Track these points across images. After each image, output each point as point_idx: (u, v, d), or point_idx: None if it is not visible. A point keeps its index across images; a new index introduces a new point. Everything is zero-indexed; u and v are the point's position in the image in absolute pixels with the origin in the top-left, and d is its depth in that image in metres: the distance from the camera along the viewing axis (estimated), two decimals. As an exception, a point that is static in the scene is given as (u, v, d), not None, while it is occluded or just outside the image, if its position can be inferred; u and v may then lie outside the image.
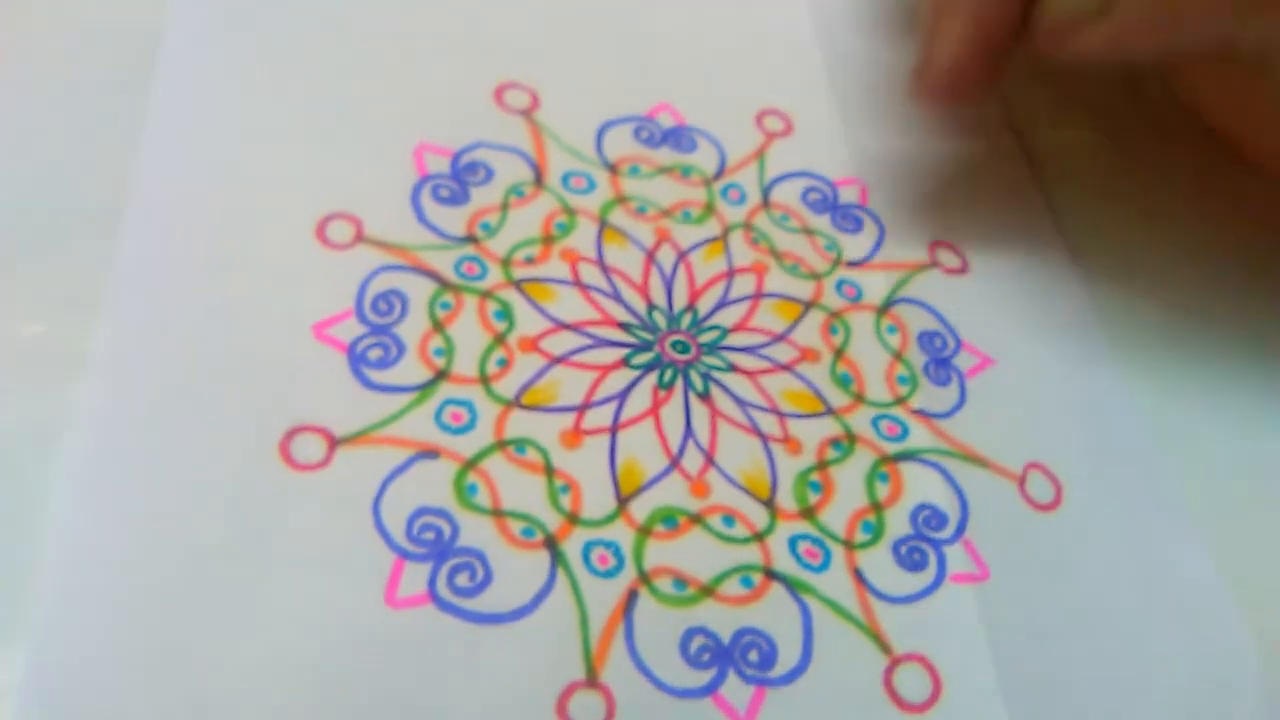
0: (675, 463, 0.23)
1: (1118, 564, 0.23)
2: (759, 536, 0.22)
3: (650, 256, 0.26)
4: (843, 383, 0.25)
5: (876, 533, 0.23)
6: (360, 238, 0.24)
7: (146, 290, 0.22)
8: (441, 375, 0.23)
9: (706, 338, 0.25)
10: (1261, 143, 0.27)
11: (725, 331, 0.25)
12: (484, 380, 0.23)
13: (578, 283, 0.25)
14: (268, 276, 0.23)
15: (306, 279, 0.23)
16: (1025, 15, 0.24)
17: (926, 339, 0.26)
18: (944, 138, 0.29)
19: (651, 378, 0.24)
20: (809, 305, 0.26)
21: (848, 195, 0.28)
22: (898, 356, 0.26)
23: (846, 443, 0.24)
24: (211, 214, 0.24)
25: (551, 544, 0.21)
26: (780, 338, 0.25)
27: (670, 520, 0.22)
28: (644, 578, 0.21)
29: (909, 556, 0.23)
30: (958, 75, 0.25)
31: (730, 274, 0.26)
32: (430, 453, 0.22)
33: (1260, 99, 0.27)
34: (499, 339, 0.24)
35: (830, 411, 0.24)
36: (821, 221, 0.27)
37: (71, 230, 0.23)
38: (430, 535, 0.21)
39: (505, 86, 0.28)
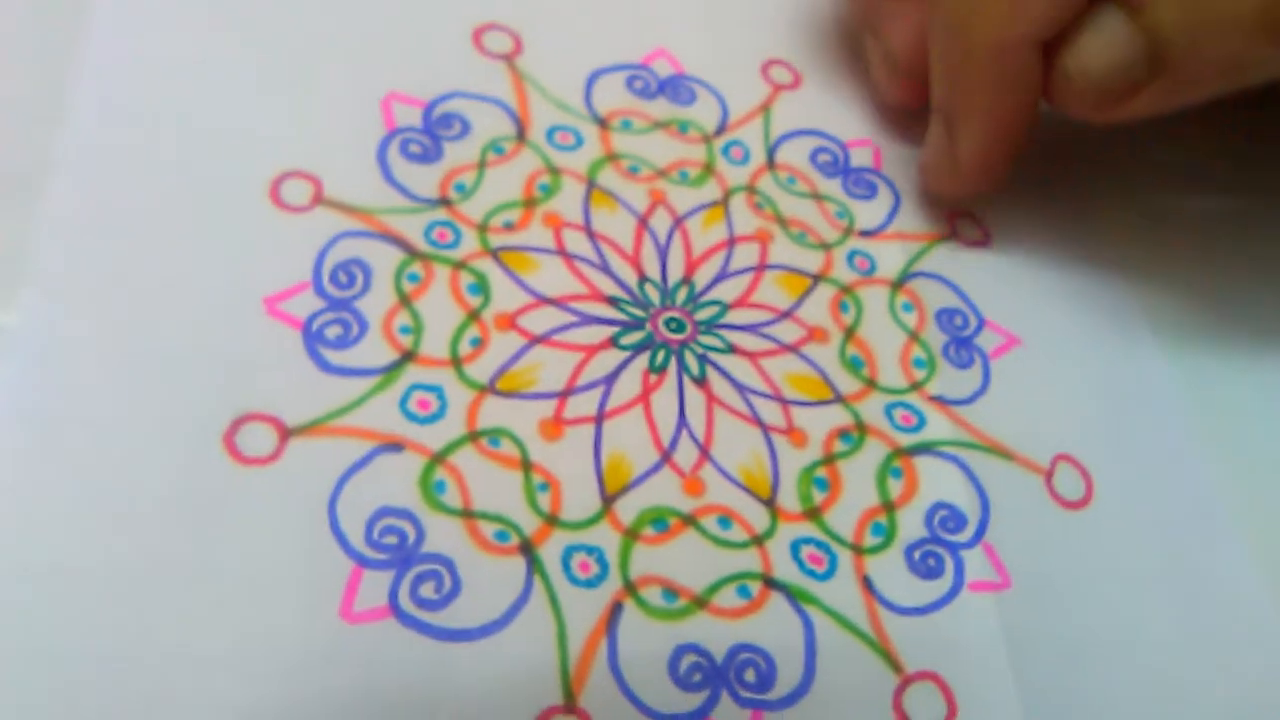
0: (667, 457, 0.20)
1: (1152, 571, 0.21)
2: (758, 540, 0.20)
3: (643, 222, 0.23)
4: (853, 366, 0.22)
5: (888, 536, 0.21)
6: (319, 199, 0.22)
7: (74, 258, 0.20)
8: (408, 356, 0.20)
9: (704, 315, 0.22)
10: None
11: (725, 308, 0.23)
12: (455, 362, 0.21)
13: (562, 252, 0.22)
14: (213, 243, 0.21)
15: (257, 246, 0.21)
16: (1045, 90, 0.22)
17: (946, 317, 0.24)
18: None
19: (642, 360, 0.21)
20: (817, 279, 0.24)
21: (860, 158, 0.26)
22: (914, 337, 0.23)
23: (857, 434, 0.22)
24: (149, 172, 0.21)
25: (528, 549, 0.19)
26: (785, 315, 0.23)
27: (660, 522, 0.20)
28: (630, 587, 0.19)
29: (923, 562, 0.21)
30: (985, 172, 0.23)
31: (731, 243, 0.24)
32: (394, 445, 0.19)
33: None
34: (473, 315, 0.21)
35: (839, 399, 0.22)
36: (832, 186, 0.25)
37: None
38: (392, 540, 0.19)
39: (485, 28, 0.25)
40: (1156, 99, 0.21)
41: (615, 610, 0.19)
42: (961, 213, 0.25)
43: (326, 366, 0.20)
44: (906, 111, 0.26)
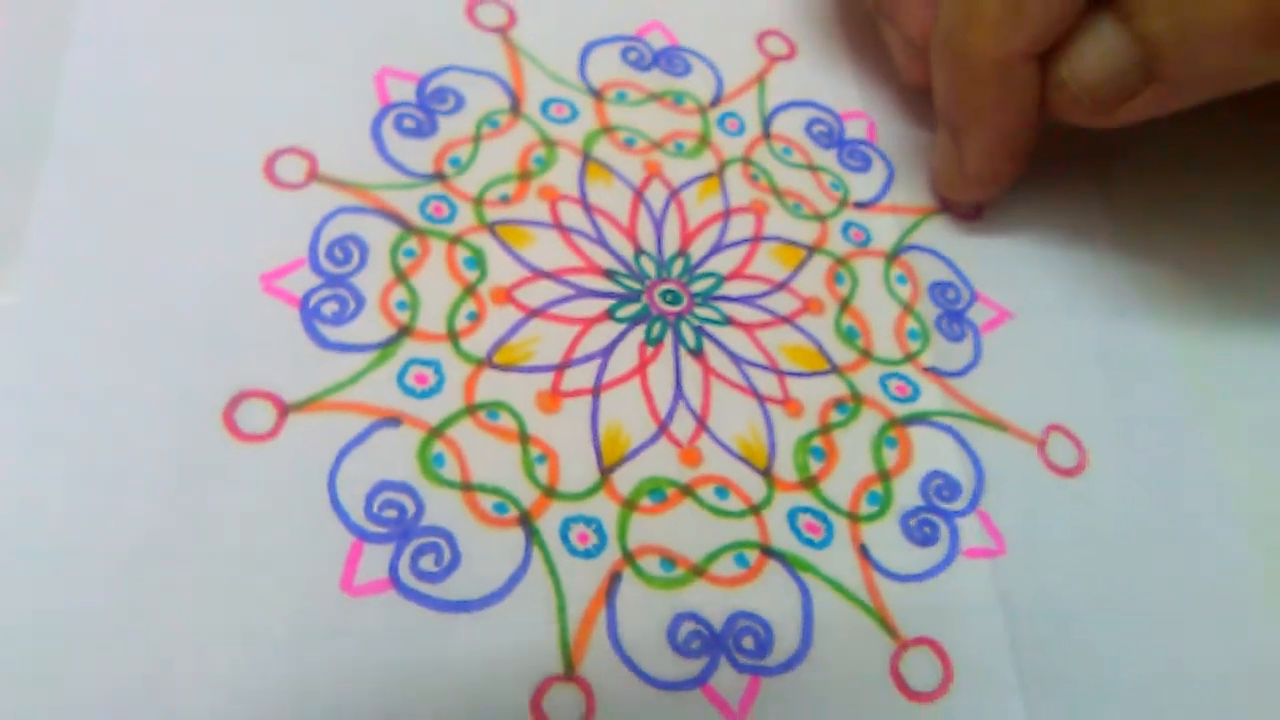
0: (664, 428, 0.21)
1: (1146, 538, 0.22)
2: (755, 510, 0.20)
3: (638, 195, 0.23)
4: (848, 337, 0.23)
5: (884, 504, 0.21)
6: (314, 176, 0.22)
7: (72, 237, 0.20)
8: (405, 331, 0.20)
9: (699, 286, 0.22)
10: None
11: (720, 279, 0.23)
12: (452, 337, 0.21)
13: (557, 225, 0.22)
14: (209, 221, 0.21)
15: (253, 223, 0.21)
16: (1043, 99, 0.22)
17: (939, 290, 0.24)
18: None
19: (638, 332, 0.22)
20: (812, 250, 0.24)
21: (855, 130, 0.26)
22: (908, 309, 0.23)
23: (852, 404, 0.22)
24: (145, 150, 0.21)
25: (526, 521, 0.19)
26: (781, 286, 0.23)
27: (657, 493, 0.20)
28: (628, 557, 0.19)
29: (919, 530, 0.21)
30: (993, 179, 0.24)
31: (726, 214, 0.24)
32: (392, 420, 0.20)
33: None
34: (469, 290, 0.21)
35: (835, 369, 0.22)
36: (827, 157, 0.25)
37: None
38: (392, 513, 0.19)
39: (478, 1, 0.25)
40: (1151, 105, 0.21)
41: (614, 580, 0.19)
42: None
43: (324, 343, 0.20)
44: (904, 87, 0.26)
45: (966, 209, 0.25)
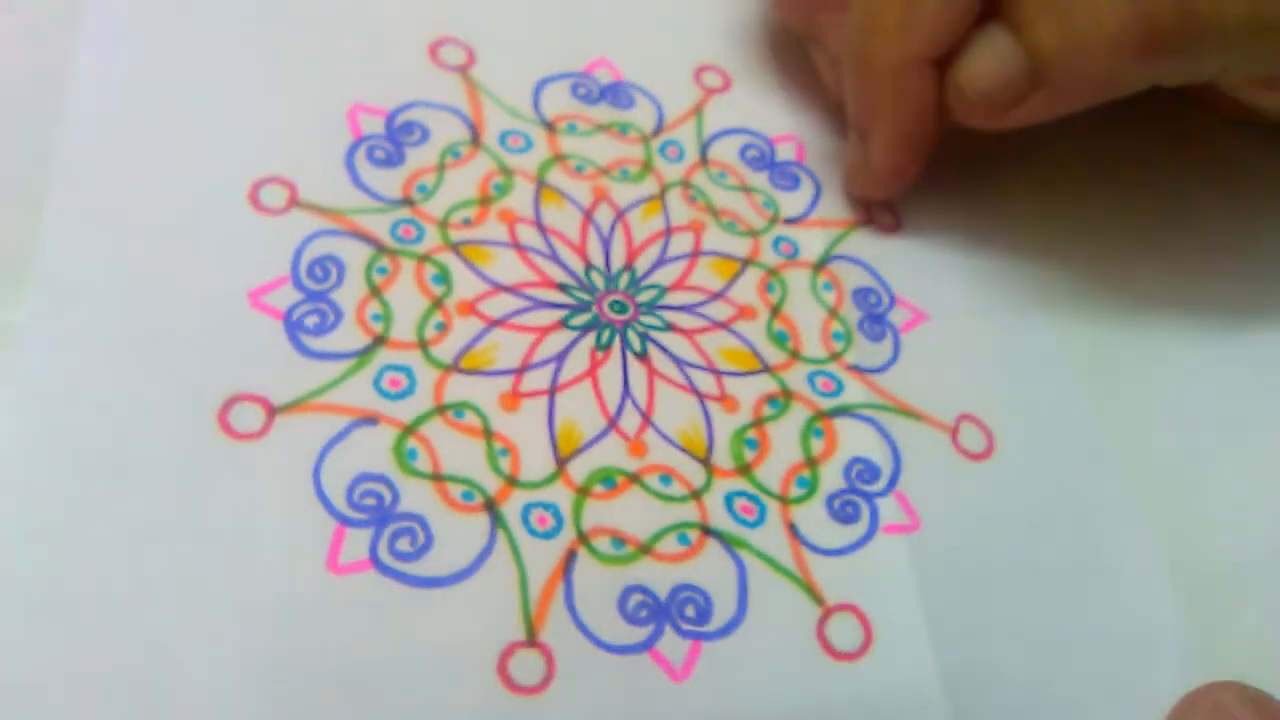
0: (613, 423, 0.23)
1: (1047, 514, 0.24)
2: (696, 494, 0.23)
3: (588, 216, 0.26)
4: (779, 340, 0.25)
5: (811, 487, 0.23)
6: (294, 202, 0.24)
7: (76, 259, 0.22)
8: (379, 341, 0.23)
9: (644, 297, 0.25)
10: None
11: (663, 290, 0.25)
12: (422, 345, 0.23)
13: (515, 244, 0.25)
14: (200, 243, 0.23)
15: (240, 245, 0.23)
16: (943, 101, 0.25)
17: (861, 295, 0.26)
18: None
19: (589, 339, 0.24)
20: (746, 263, 0.26)
21: (785, 152, 0.28)
22: (833, 313, 0.26)
23: (783, 399, 0.24)
24: (141, 180, 0.23)
25: (491, 507, 0.21)
26: (718, 296, 0.25)
27: (608, 480, 0.22)
28: (583, 538, 0.22)
29: (842, 510, 0.23)
30: (896, 175, 0.26)
31: (668, 232, 0.26)
32: (369, 419, 0.22)
33: None
34: (437, 303, 0.24)
35: (767, 369, 0.25)
36: (759, 179, 0.28)
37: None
38: (371, 501, 0.21)
39: (440, 43, 0.27)
40: (1038, 109, 0.24)
41: (570, 558, 0.21)
42: (876, 202, 0.28)
43: (307, 351, 0.22)
44: (830, 108, 0.28)
45: (886, 220, 0.28)
